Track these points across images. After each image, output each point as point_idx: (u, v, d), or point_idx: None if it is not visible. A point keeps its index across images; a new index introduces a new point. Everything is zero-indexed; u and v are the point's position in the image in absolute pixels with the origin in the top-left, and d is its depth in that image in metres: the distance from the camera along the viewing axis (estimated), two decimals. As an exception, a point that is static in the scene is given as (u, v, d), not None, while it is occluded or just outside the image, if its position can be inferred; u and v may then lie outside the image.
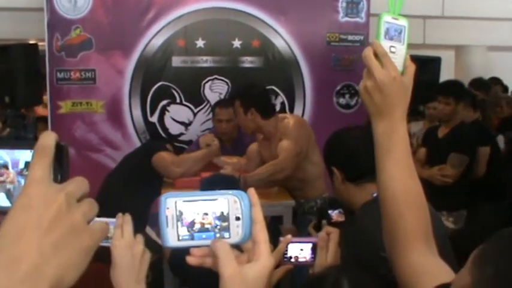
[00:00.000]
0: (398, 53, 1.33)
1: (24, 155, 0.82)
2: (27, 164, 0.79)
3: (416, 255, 1.36)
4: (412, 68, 1.36)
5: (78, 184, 0.77)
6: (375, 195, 2.35)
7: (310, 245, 1.95)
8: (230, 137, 5.30)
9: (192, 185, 4.34)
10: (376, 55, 1.32)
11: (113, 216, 1.78)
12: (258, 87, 5.07)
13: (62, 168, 0.80)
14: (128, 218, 1.79)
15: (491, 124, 6.35)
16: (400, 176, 1.38)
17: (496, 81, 8.03)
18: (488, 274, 0.99)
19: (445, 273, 1.36)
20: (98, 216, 0.79)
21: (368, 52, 1.33)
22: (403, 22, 1.34)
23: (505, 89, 8.03)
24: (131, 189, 4.51)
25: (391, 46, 1.32)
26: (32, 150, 0.76)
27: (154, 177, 4.70)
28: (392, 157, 1.38)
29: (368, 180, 2.32)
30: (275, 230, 4.14)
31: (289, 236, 1.93)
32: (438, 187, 4.91)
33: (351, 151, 2.39)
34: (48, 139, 0.77)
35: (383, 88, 1.32)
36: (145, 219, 4.48)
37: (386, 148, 1.38)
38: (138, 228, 4.13)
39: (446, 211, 4.89)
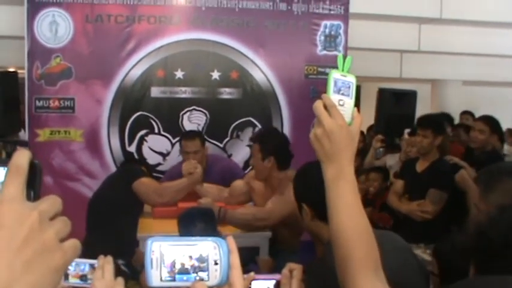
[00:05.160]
0: (346, 106, 1.46)
1: None
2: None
3: (366, 284, 1.46)
4: (358, 119, 1.48)
5: (51, 202, 0.78)
6: None
7: (273, 282, 1.97)
8: None
9: (169, 214, 4.31)
10: (325, 107, 1.45)
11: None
12: (279, 134, 4.87)
13: (34, 186, 0.80)
14: (109, 259, 1.80)
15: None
16: (349, 215, 1.49)
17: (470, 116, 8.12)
18: None
19: None
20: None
21: (318, 104, 1.45)
22: (351, 79, 1.47)
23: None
24: (116, 216, 4.53)
25: (340, 100, 1.45)
26: (6, 168, 0.77)
27: (136, 202, 4.69)
28: (342, 198, 1.49)
29: None
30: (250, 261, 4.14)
31: (252, 274, 1.95)
32: (416, 220, 4.97)
33: (322, 190, 2.43)
34: (22, 158, 0.78)
35: (331, 135, 1.44)
36: (134, 240, 4.45)
37: (335, 190, 1.50)
38: (130, 251, 4.17)
39: (424, 243, 4.91)
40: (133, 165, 5.26)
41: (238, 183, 4.91)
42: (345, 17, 6.35)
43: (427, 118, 5.52)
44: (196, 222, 3.36)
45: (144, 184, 4.69)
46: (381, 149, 6.84)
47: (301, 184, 2.60)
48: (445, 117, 7.13)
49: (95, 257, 1.87)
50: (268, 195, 4.49)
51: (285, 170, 4.44)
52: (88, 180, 5.93)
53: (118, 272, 1.78)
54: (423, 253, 4.92)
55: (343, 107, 1.45)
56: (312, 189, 2.46)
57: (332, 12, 6.31)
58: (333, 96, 1.45)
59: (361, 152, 6.87)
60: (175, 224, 3.41)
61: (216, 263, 1.02)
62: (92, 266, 1.90)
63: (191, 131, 5.80)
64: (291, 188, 4.25)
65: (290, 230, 4.41)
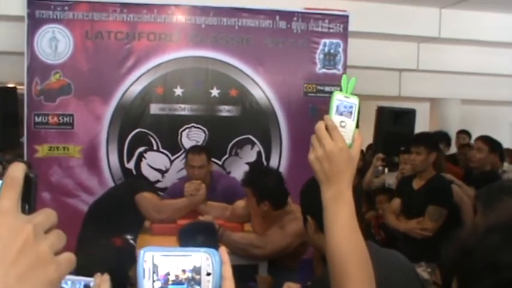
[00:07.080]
0: (347, 128, 1.48)
1: None
2: None
3: None
4: (359, 140, 1.51)
5: (46, 215, 0.78)
6: None
7: None
8: (203, 183, 5.09)
9: (168, 231, 4.30)
10: (327, 128, 1.47)
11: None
12: (272, 174, 4.57)
13: (30, 199, 0.80)
14: (106, 277, 1.78)
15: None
16: (345, 236, 1.52)
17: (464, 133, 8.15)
18: None
19: None
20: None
21: (320, 125, 1.48)
22: (353, 100, 1.48)
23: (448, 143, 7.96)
24: (116, 220, 4.58)
25: (341, 121, 1.47)
26: (0, 181, 0.77)
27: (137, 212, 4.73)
28: (339, 219, 1.52)
29: None
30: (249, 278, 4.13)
31: None
32: (416, 238, 4.96)
33: None
34: (17, 170, 0.78)
35: (331, 157, 1.47)
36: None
37: (333, 212, 1.52)
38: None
39: (424, 261, 4.90)
40: (141, 180, 5.29)
41: (241, 204, 4.86)
42: (344, 35, 6.37)
43: (420, 135, 5.57)
44: (197, 235, 3.35)
45: (146, 198, 4.75)
46: (380, 168, 6.84)
47: (307, 196, 2.60)
48: (442, 136, 7.13)
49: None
50: (266, 225, 4.41)
51: (281, 209, 4.31)
52: (86, 196, 5.89)
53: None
54: (424, 271, 4.90)
55: (345, 128, 1.47)
56: (317, 201, 2.45)
57: (331, 30, 6.33)
58: (334, 118, 1.47)
59: (360, 171, 6.88)
60: (174, 241, 3.40)
61: (208, 274, 1.03)
62: (87, 286, 1.88)
63: (198, 146, 5.78)
64: (291, 222, 4.24)
65: (290, 256, 4.38)
